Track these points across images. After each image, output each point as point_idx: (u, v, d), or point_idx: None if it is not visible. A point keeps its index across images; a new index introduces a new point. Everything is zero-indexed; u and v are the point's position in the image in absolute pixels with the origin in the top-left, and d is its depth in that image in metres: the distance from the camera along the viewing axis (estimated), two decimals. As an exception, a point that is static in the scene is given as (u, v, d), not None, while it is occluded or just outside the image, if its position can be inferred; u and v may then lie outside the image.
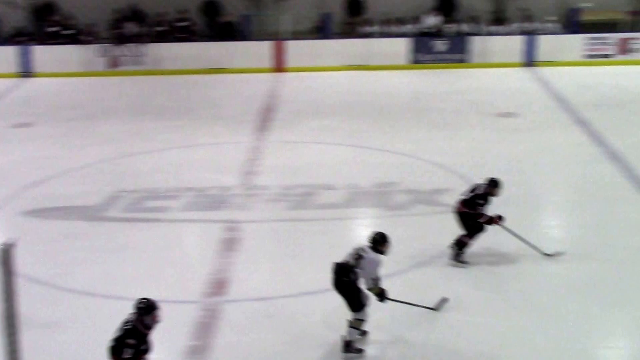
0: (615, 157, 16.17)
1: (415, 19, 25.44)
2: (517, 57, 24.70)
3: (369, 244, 9.28)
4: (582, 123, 18.66)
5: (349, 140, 17.60)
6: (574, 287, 10.92)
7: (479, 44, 24.78)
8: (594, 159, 16.19)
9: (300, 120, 19.38)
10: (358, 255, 9.15)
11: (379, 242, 9.26)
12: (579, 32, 25.21)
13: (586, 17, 25.64)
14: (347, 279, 9.08)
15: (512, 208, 13.40)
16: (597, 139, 17.44)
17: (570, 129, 18.31)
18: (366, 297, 9.23)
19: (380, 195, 14.44)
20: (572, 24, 25.54)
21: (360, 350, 9.28)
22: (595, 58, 24.84)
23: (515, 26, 25.40)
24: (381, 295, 9.29)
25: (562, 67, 24.22)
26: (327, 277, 10.97)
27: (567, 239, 11.98)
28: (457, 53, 24.88)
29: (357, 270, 9.07)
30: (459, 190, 14.14)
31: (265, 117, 19.69)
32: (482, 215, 11.25)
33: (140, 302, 7.73)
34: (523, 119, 19.16)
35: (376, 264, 9.12)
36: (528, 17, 25.36)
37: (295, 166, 15.98)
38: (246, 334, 9.79)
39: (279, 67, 24.58)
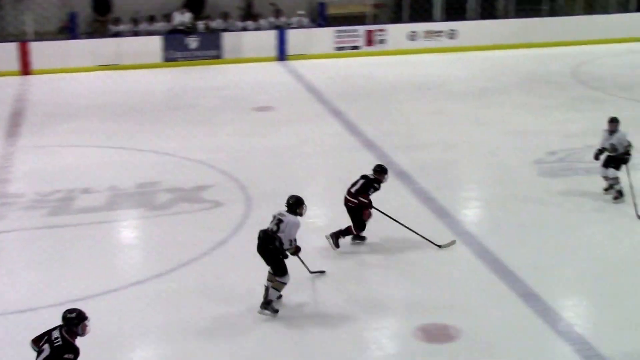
0: (370, 145, 16.66)
1: (166, 17, 25.11)
2: (270, 51, 24.94)
3: (286, 209, 10.01)
4: (337, 113, 19.10)
5: (107, 142, 17.04)
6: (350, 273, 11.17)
7: (231, 40, 24.78)
8: (352, 148, 16.59)
9: (53, 124, 18.53)
10: (278, 220, 9.90)
11: (295, 205, 10.04)
12: (328, 25, 25.86)
13: (333, 11, 26.38)
14: (272, 247, 9.83)
15: (278, 201, 13.51)
16: (352, 128, 17.90)
17: (326, 120, 18.68)
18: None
19: (143, 196, 14.09)
20: (321, 18, 26.15)
21: (276, 311, 9.95)
22: (345, 50, 25.54)
23: (266, 21, 25.64)
24: (295, 253, 10.07)
25: (314, 60, 24.73)
26: (92, 283, 10.71)
27: (334, 228, 12.14)
28: (210, 49, 24.74)
29: (279, 235, 9.80)
30: (222, 186, 14.24)
31: (14, 122, 18.69)
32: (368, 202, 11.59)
33: (69, 313, 7.41)
34: (280, 112, 19.34)
35: (294, 225, 9.88)
36: (278, 12, 25.68)
37: (51, 171, 15.27)
38: (8, 349, 9.24)
39: (25, 69, 23.40)
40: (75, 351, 7.27)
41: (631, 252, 11.97)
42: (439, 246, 11.82)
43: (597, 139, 15.61)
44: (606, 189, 13.79)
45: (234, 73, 23.65)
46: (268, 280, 9.98)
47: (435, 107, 19.91)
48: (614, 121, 13.54)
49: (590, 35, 26.87)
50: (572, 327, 9.87)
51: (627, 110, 19.40)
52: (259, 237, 9.92)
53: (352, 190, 11.64)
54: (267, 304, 9.91)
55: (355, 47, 25.63)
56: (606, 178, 13.68)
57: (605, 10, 28.66)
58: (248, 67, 24.18)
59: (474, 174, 15.68)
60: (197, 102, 20.50)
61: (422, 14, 26.76)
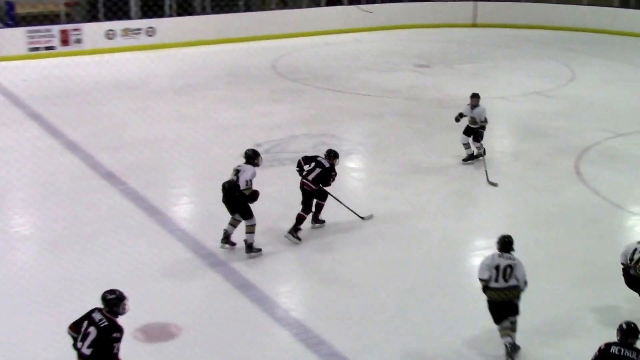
0: (73, 147, 16.11)
1: None
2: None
3: (244, 161, 11.24)
4: (36, 117, 18.27)
5: None
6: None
7: None
8: (54, 152, 15.94)
9: None
10: (237, 171, 11.17)
11: (252, 156, 11.32)
12: (19, 25, 24.68)
13: (22, 10, 25.23)
14: (238, 194, 11.07)
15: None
16: (53, 131, 17.21)
17: (24, 125, 17.76)
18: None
19: None
20: (9, 18, 24.94)
21: (259, 250, 11.40)
22: (40, 51, 24.49)
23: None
24: (253, 195, 11.11)
25: (6, 62, 23.46)
26: None
27: (41, 235, 11.58)
28: None
29: (238, 183, 11.01)
30: None
31: None
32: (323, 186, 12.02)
33: (109, 294, 7.55)
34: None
35: (249, 171, 11.10)
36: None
37: None
38: None
39: None
40: (121, 330, 7.41)
41: (337, 237, 12.31)
42: (362, 218, 12.62)
43: (300, 129, 16.08)
44: (465, 159, 15.42)
45: None
46: (230, 224, 11.42)
47: (138, 105, 19.62)
48: (475, 97, 14.96)
49: (286, 29, 27.90)
50: (288, 313, 10.11)
51: (325, 100, 20.28)
52: (224, 188, 11.11)
53: (310, 177, 11.90)
54: (250, 248, 11.30)
55: (50, 48, 24.66)
56: (466, 145, 15.28)
57: (297, 5, 29.59)
58: None
59: (182, 170, 15.60)
60: None
61: (117, 12, 26.26)
